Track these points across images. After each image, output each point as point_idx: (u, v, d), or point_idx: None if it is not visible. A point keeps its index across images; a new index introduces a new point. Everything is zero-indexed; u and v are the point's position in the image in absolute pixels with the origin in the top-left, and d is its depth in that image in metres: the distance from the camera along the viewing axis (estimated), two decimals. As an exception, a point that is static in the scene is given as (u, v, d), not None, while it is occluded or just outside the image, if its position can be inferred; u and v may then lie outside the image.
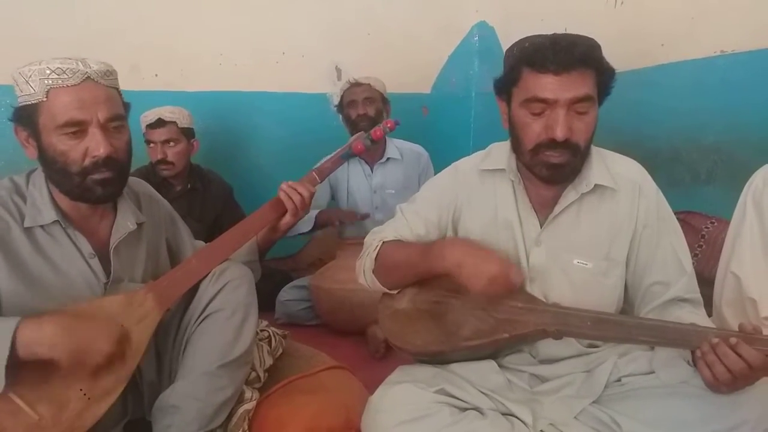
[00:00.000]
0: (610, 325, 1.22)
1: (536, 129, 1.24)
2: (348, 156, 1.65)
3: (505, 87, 1.31)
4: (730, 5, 2.32)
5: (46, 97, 1.20)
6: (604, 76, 1.25)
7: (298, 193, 1.50)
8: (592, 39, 1.26)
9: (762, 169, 1.43)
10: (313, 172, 1.58)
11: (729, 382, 1.07)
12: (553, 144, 1.22)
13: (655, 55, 2.61)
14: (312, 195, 1.53)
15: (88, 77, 1.22)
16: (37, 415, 1.12)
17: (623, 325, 1.23)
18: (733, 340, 1.06)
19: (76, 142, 1.22)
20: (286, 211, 1.51)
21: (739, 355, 1.05)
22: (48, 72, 1.19)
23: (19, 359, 1.07)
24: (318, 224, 2.65)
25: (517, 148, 1.32)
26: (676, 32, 2.52)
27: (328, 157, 1.69)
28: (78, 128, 1.22)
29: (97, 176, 1.24)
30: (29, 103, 1.22)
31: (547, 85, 1.20)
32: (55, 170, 1.24)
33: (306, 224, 2.64)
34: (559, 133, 1.20)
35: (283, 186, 1.51)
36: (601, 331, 1.23)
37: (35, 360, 1.09)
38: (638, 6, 2.71)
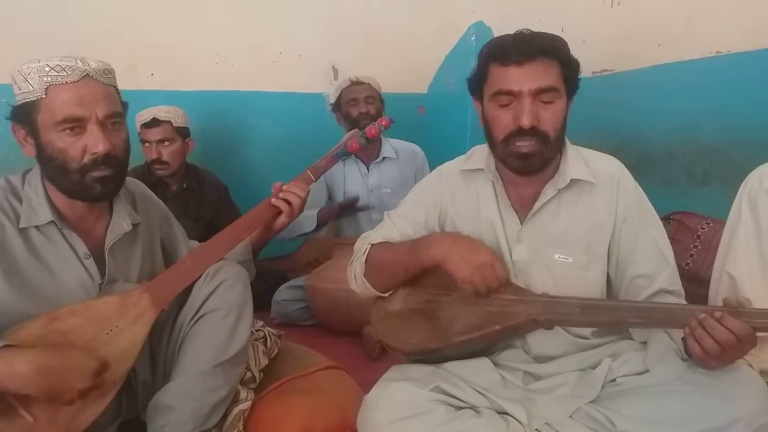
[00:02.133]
0: (599, 310, 1.25)
1: (505, 120, 1.28)
2: (343, 154, 1.64)
3: (477, 85, 1.36)
4: (727, 6, 2.32)
5: (45, 94, 1.20)
6: (568, 69, 1.29)
7: (293, 193, 1.49)
8: (556, 35, 1.30)
9: (758, 170, 1.43)
10: (308, 171, 1.58)
11: (718, 354, 1.09)
12: (521, 132, 1.26)
13: (651, 56, 2.61)
14: (307, 194, 1.52)
15: (87, 75, 1.22)
16: (32, 417, 1.12)
17: (611, 308, 1.26)
18: (718, 313, 1.09)
19: (74, 139, 1.22)
20: (281, 212, 1.51)
21: (726, 327, 1.07)
22: (47, 69, 1.19)
23: None
24: (320, 222, 2.65)
25: (490, 142, 1.35)
26: (673, 33, 2.52)
27: (324, 155, 1.67)
28: (77, 125, 1.21)
29: (96, 174, 1.24)
30: (28, 100, 1.21)
31: (512, 77, 1.25)
32: (54, 168, 1.24)
33: (309, 223, 2.65)
34: (525, 121, 1.24)
35: (276, 191, 1.50)
36: (591, 316, 1.25)
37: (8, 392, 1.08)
38: (634, 6, 2.71)
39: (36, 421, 1.12)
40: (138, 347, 1.28)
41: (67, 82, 1.20)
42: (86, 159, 1.23)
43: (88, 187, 1.25)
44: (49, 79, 1.19)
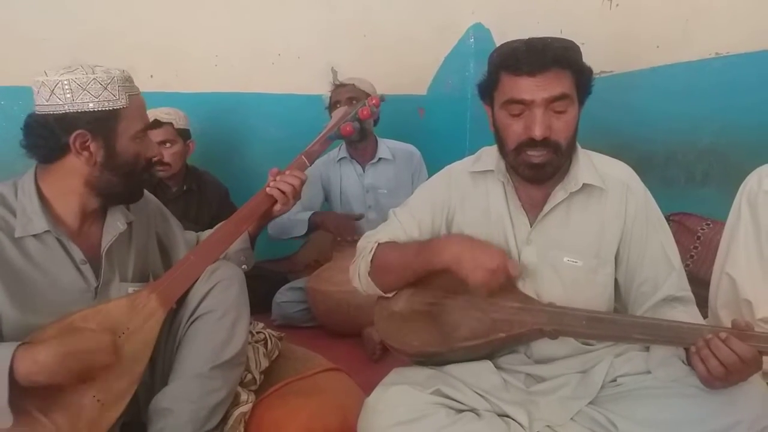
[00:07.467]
0: (605, 324, 1.25)
1: (517, 129, 1.27)
2: (336, 137, 1.62)
3: (487, 91, 1.35)
4: (725, 8, 2.33)
5: (129, 103, 1.27)
6: (581, 76, 1.28)
7: (286, 182, 1.47)
8: (570, 41, 1.29)
9: (757, 171, 1.44)
10: (302, 156, 1.55)
11: (723, 376, 1.09)
12: (533, 143, 1.25)
13: (650, 57, 2.62)
14: (302, 182, 1.50)
15: None
16: (53, 425, 1.12)
17: (618, 323, 1.25)
18: (723, 334, 1.09)
19: (143, 145, 1.33)
20: (276, 201, 1.49)
21: (731, 349, 1.07)
22: (123, 79, 1.27)
23: (22, 388, 1.07)
24: (311, 227, 2.65)
25: (501, 149, 1.35)
26: (671, 34, 2.53)
27: (315, 139, 1.62)
28: (146, 131, 1.34)
29: (146, 175, 1.38)
30: (106, 109, 1.23)
31: (523, 87, 1.23)
32: (122, 173, 1.30)
33: (299, 228, 2.64)
34: (537, 132, 1.23)
35: (273, 177, 1.48)
36: (596, 329, 1.25)
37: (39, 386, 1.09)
38: (633, 8, 2.72)
39: (58, 429, 1.13)
40: (151, 347, 1.29)
41: (137, 93, 1.30)
42: (146, 163, 1.36)
43: (142, 186, 1.39)
44: (128, 88, 1.27)
